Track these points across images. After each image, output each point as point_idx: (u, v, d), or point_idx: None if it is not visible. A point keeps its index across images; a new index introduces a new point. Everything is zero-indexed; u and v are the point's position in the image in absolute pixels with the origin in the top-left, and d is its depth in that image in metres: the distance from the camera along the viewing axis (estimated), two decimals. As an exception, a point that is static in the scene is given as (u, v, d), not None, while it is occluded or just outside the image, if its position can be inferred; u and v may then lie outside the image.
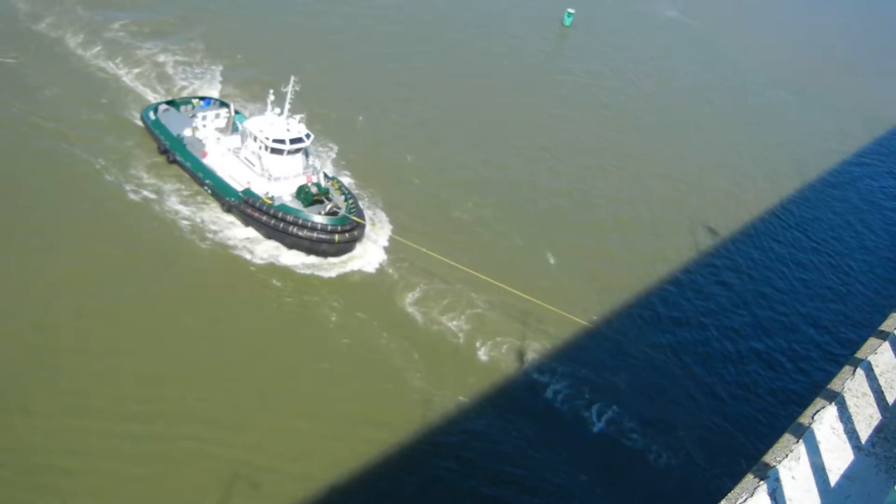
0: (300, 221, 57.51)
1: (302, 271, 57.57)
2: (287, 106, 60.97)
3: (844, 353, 61.03)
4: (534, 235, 68.38)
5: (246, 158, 61.71)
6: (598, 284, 63.71)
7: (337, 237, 57.76)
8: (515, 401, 50.27)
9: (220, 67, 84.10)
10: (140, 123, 69.17)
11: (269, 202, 58.79)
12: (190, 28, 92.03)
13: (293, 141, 60.20)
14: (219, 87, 79.88)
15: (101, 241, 55.67)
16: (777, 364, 61.05)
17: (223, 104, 72.52)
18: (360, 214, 60.52)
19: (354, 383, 48.65)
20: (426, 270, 58.91)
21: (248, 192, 59.92)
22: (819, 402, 17.68)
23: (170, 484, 39.38)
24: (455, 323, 55.08)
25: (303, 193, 60.03)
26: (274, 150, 60.00)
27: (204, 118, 67.42)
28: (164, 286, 53.04)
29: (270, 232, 58.81)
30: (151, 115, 67.88)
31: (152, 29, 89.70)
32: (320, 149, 71.39)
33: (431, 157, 77.92)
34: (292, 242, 58.48)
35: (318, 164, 64.61)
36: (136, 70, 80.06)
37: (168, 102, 70.66)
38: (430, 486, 43.60)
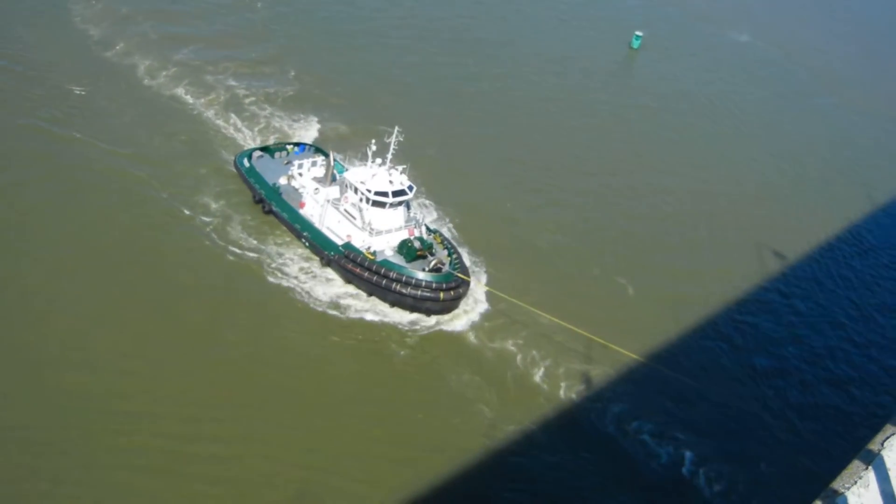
0: (404, 279, 54.94)
1: (402, 328, 55.57)
2: (389, 156, 58.78)
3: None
4: (609, 267, 67.96)
5: (346, 211, 59.49)
6: (674, 320, 62.86)
7: (442, 295, 54.99)
8: (591, 439, 50.05)
9: (312, 109, 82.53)
10: (233, 169, 67.62)
11: (372, 258, 56.41)
12: (280, 67, 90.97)
13: (396, 193, 57.84)
14: (311, 131, 78.16)
15: (198, 290, 54.85)
16: (856, 401, 59.43)
17: (318, 150, 70.85)
18: (465, 270, 57.74)
19: (438, 425, 48.80)
20: (518, 321, 57.47)
21: (348, 246, 57.66)
22: (889, 428, 16.51)
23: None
24: (540, 366, 54.44)
25: (406, 248, 57.57)
26: (376, 203, 57.70)
27: (300, 166, 65.57)
28: (261, 338, 51.98)
29: (372, 288, 56.37)
30: (245, 162, 66.22)
31: (239, 67, 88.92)
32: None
33: (508, 188, 77.44)
34: (395, 300, 55.97)
35: (420, 216, 62.08)
36: (223, 110, 78.96)
37: (262, 149, 69.02)
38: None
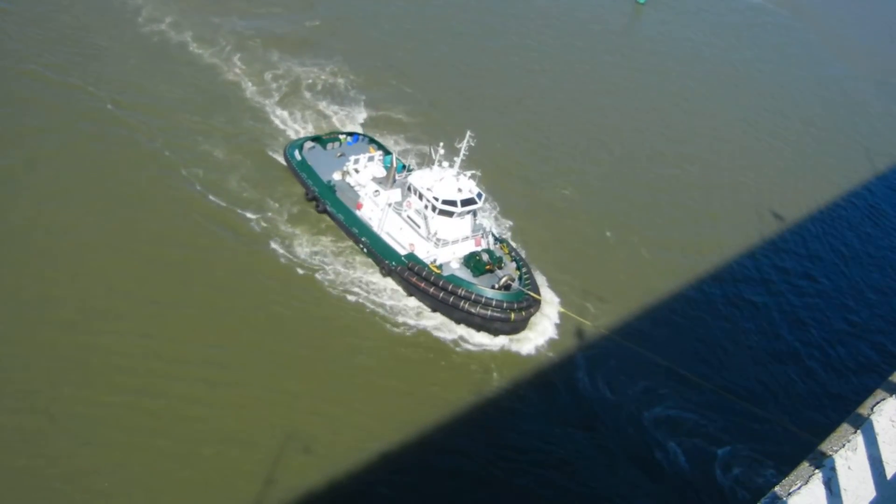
0: (473, 296, 51.34)
1: (465, 344, 52.34)
2: (459, 161, 54.44)
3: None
4: (622, 231, 67.78)
5: (409, 217, 55.44)
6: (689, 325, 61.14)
7: (513, 315, 51.50)
8: (589, 416, 49.42)
9: (363, 94, 77.93)
10: (282, 161, 63.22)
11: (438, 272, 52.67)
12: (331, 47, 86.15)
13: (465, 202, 53.71)
14: (362, 116, 73.36)
15: (248, 299, 51.20)
16: (849, 379, 58.68)
17: (371, 140, 66.30)
18: (535, 287, 54.08)
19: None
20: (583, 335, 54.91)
21: (412, 257, 53.84)
22: (879, 393, 16.89)
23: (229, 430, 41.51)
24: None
25: (473, 262, 53.81)
26: (443, 212, 53.65)
27: (356, 161, 61.05)
28: (315, 348, 48.80)
29: (438, 305, 52.81)
30: (297, 154, 61.76)
31: (291, 43, 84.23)
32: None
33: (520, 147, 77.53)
34: (462, 318, 52.50)
35: (486, 224, 58.00)
36: (273, 92, 74.43)
37: (313, 139, 64.41)
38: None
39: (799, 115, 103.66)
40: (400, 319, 52.39)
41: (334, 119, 72.54)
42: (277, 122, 69.73)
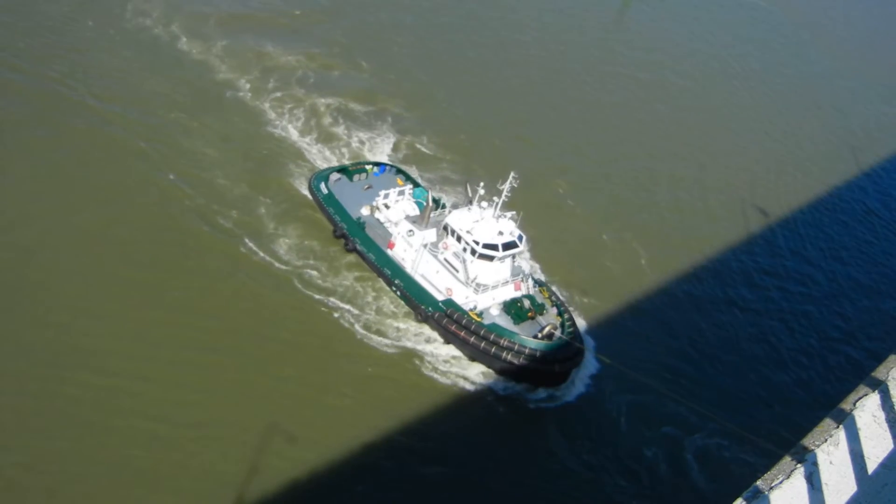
0: (516, 347, 48.92)
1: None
2: (500, 202, 51.84)
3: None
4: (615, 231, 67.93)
5: (446, 260, 52.78)
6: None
7: (557, 367, 49.24)
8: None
9: (389, 119, 74.82)
10: (306, 193, 60.17)
11: (479, 320, 50.16)
12: (356, 66, 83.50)
13: (506, 246, 51.19)
14: (389, 143, 70.27)
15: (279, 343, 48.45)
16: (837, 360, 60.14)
17: (399, 171, 63.46)
18: (579, 336, 51.79)
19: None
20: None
21: (450, 303, 51.23)
22: (862, 388, 17.07)
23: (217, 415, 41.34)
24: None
25: (514, 309, 51.42)
26: (483, 256, 51.09)
27: (386, 196, 58.17)
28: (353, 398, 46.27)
29: (477, 354, 50.35)
30: (323, 187, 58.71)
31: (316, 64, 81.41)
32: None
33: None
34: (503, 368, 50.11)
35: (525, 266, 55.48)
36: (294, 115, 71.34)
37: (339, 170, 61.39)
38: None
39: (787, 113, 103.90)
40: (390, 317, 52.65)
41: (327, 115, 71.15)
42: (273, 121, 68.66)
